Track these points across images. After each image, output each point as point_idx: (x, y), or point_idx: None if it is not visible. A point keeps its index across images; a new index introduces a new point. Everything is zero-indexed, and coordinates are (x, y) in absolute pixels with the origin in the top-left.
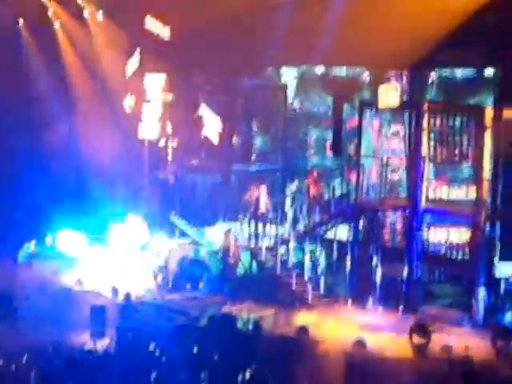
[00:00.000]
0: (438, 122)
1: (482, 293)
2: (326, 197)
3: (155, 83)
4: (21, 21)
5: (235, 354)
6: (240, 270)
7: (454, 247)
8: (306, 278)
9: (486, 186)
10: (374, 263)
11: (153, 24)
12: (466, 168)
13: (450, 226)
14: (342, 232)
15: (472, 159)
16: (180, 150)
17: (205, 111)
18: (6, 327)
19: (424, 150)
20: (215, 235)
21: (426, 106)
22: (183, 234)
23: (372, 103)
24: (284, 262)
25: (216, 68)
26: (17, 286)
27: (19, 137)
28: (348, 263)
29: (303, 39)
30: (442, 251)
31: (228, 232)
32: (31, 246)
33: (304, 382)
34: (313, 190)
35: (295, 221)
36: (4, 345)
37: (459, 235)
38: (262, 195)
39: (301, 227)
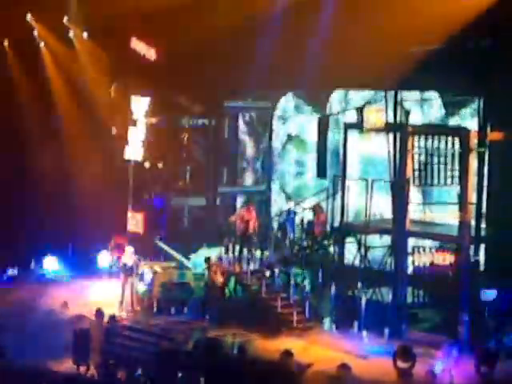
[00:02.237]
0: (422, 144)
1: (466, 317)
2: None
3: (140, 105)
4: (5, 41)
5: (220, 378)
6: (225, 294)
7: (438, 270)
8: (290, 301)
9: (470, 208)
10: (358, 287)
11: (138, 46)
12: (450, 191)
13: (435, 250)
14: (327, 255)
15: (457, 182)
16: (166, 173)
17: (190, 134)
18: None
19: (408, 173)
20: (200, 259)
21: (410, 128)
22: (168, 258)
23: (357, 125)
24: (269, 286)
25: (201, 91)
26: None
27: (5, 158)
28: (333, 287)
29: (288, 64)
30: (427, 274)
31: (209, 259)
32: (14, 270)
33: None
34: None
35: (280, 244)
36: None
37: (444, 258)
38: (250, 217)
39: (286, 250)
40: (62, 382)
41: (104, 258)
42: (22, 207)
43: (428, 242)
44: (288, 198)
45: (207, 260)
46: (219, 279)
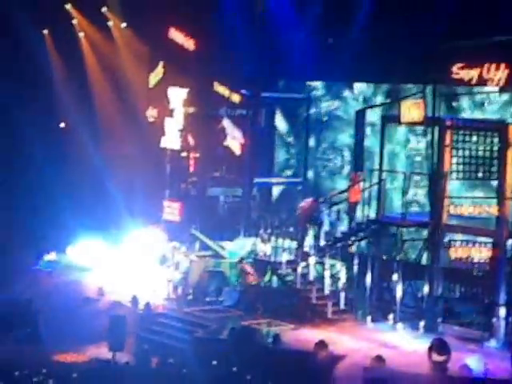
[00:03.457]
0: (460, 138)
1: (502, 311)
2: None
3: (178, 96)
4: (45, 31)
5: (254, 367)
6: (260, 284)
7: (475, 265)
8: (325, 292)
9: (508, 204)
10: (394, 279)
11: (177, 36)
12: (488, 185)
13: (472, 244)
14: (363, 247)
15: (495, 176)
16: (202, 163)
17: (227, 123)
18: (25, 335)
19: (446, 167)
20: (236, 248)
21: (448, 122)
22: (204, 247)
23: (394, 118)
24: (304, 276)
25: (239, 81)
26: (37, 295)
27: (43, 147)
28: (368, 279)
29: (328, 55)
30: (463, 268)
31: (241, 260)
32: (53, 255)
33: None
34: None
35: (317, 234)
36: (23, 355)
37: (480, 253)
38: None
39: (322, 241)
40: (98, 368)
41: (140, 246)
42: (59, 192)
43: (465, 236)
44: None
45: (239, 261)
46: (250, 280)
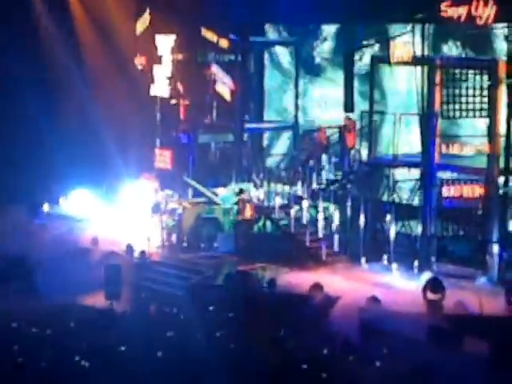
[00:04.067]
0: (450, 77)
1: (495, 248)
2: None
3: (165, 43)
4: None
5: (250, 311)
6: (254, 229)
7: (467, 203)
8: (319, 235)
9: (499, 141)
10: (387, 220)
11: None
12: (479, 123)
13: (464, 182)
14: (356, 189)
15: (486, 114)
16: (192, 109)
17: (216, 69)
18: (22, 288)
19: (437, 106)
20: (229, 194)
21: (438, 61)
22: (197, 194)
23: (384, 58)
24: (298, 220)
25: (227, 26)
26: (32, 247)
27: (34, 98)
28: (362, 220)
29: None
30: (456, 207)
31: (240, 191)
32: (46, 207)
33: (319, 338)
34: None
35: (309, 178)
36: (20, 306)
37: (472, 191)
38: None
39: (314, 185)
40: (95, 316)
41: (133, 194)
42: (51, 144)
43: (457, 175)
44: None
45: (239, 192)
46: (248, 213)
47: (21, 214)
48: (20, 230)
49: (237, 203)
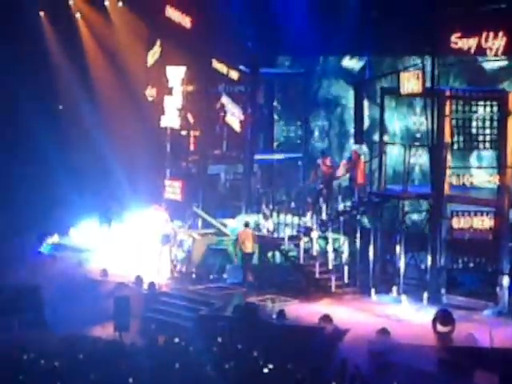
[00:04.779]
0: (460, 108)
1: (505, 281)
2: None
3: (176, 74)
4: (42, 13)
5: (259, 343)
6: (263, 260)
7: (477, 235)
8: (329, 267)
9: (509, 173)
10: (397, 251)
11: (173, 14)
12: (489, 155)
13: (474, 214)
14: (366, 220)
15: (496, 146)
16: (202, 140)
17: (226, 100)
18: (32, 319)
19: (447, 138)
20: (238, 225)
21: (448, 93)
22: (206, 225)
23: (393, 90)
24: (307, 251)
25: (237, 58)
26: (41, 278)
27: (44, 129)
28: (371, 252)
29: (321, 30)
30: (466, 239)
31: (246, 225)
32: (55, 238)
33: (327, 369)
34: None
35: (318, 209)
36: (29, 337)
37: (482, 222)
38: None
39: (323, 216)
40: (104, 348)
41: (142, 226)
42: (60, 174)
43: (467, 206)
44: None
45: (245, 225)
46: (248, 247)
47: (30, 245)
48: (30, 262)
49: (237, 237)
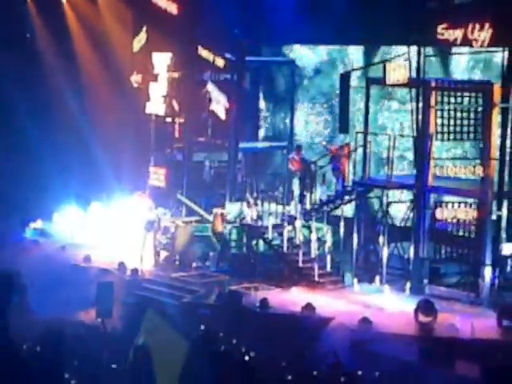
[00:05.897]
0: (445, 99)
1: (488, 271)
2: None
3: (162, 60)
4: None
5: (242, 331)
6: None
7: (460, 225)
8: (312, 256)
9: (493, 164)
10: (380, 241)
11: (160, 0)
12: (473, 146)
13: (457, 205)
14: (349, 210)
15: (480, 137)
16: (187, 128)
17: (211, 88)
18: (13, 305)
19: (431, 128)
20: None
21: (433, 84)
22: (190, 212)
23: (379, 80)
24: (290, 240)
25: (223, 46)
26: (24, 264)
27: (28, 115)
28: (354, 241)
29: (311, 18)
30: (449, 230)
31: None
32: (38, 223)
33: (310, 358)
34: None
35: (302, 198)
36: (11, 322)
37: (466, 213)
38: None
39: (307, 205)
40: (85, 334)
41: (126, 212)
42: (44, 159)
43: (450, 197)
44: None
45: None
46: (219, 227)
47: (13, 230)
48: (11, 246)
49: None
